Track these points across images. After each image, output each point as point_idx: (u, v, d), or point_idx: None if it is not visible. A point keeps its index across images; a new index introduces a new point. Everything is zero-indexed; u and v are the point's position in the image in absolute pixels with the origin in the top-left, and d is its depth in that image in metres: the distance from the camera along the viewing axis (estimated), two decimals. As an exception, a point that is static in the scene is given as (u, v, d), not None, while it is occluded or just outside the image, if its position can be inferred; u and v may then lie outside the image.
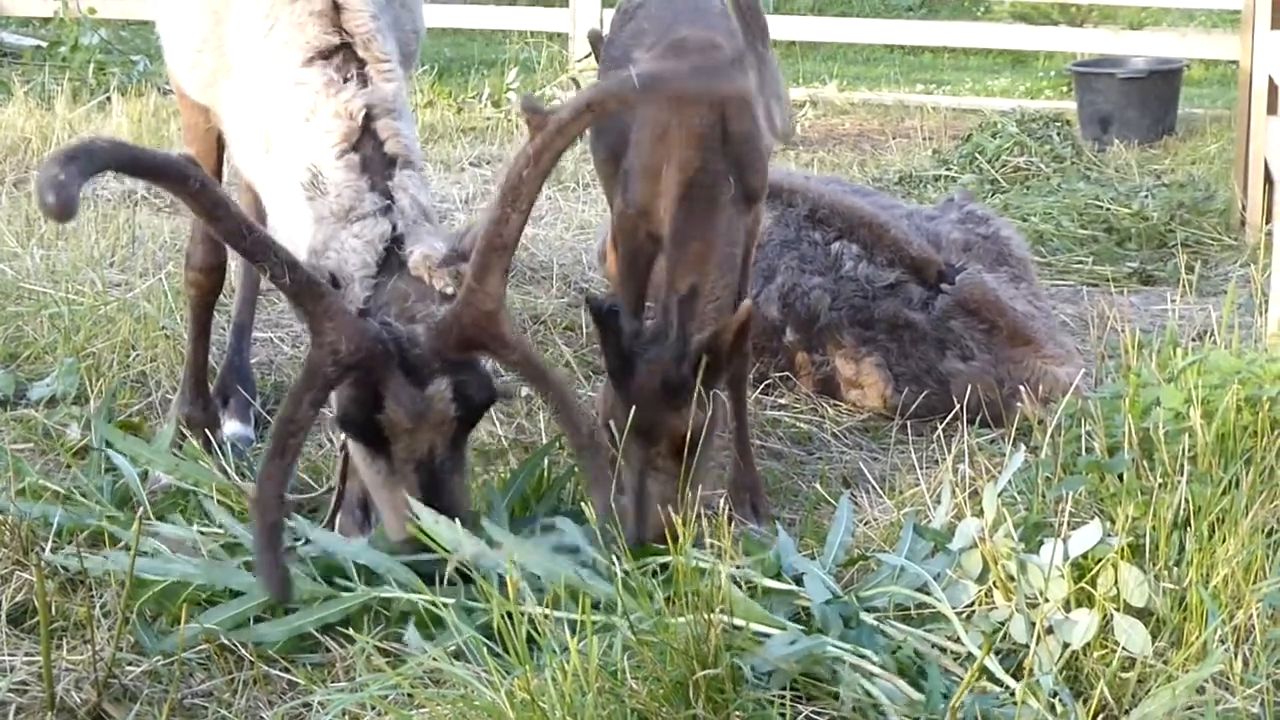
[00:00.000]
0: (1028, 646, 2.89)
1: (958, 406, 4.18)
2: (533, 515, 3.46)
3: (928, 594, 3.03)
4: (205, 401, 4.17)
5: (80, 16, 9.76)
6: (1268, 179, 6.48)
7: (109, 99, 8.61)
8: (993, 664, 2.82)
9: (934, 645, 2.93)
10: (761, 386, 4.59)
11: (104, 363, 4.60)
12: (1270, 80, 6.45)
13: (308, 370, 3.01)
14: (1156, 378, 3.55)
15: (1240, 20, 7.79)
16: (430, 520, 3.06)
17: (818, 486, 3.89)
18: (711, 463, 3.55)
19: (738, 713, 2.70)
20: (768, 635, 2.85)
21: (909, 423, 4.34)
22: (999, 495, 3.15)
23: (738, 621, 2.84)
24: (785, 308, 4.63)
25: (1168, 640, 2.93)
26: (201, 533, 3.37)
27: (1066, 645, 2.88)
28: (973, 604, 3.04)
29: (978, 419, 4.31)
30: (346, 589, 3.10)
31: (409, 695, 2.81)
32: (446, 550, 3.06)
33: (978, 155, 7.66)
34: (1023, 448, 3.47)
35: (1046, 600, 2.93)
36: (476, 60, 11.23)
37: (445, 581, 3.08)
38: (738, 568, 3.05)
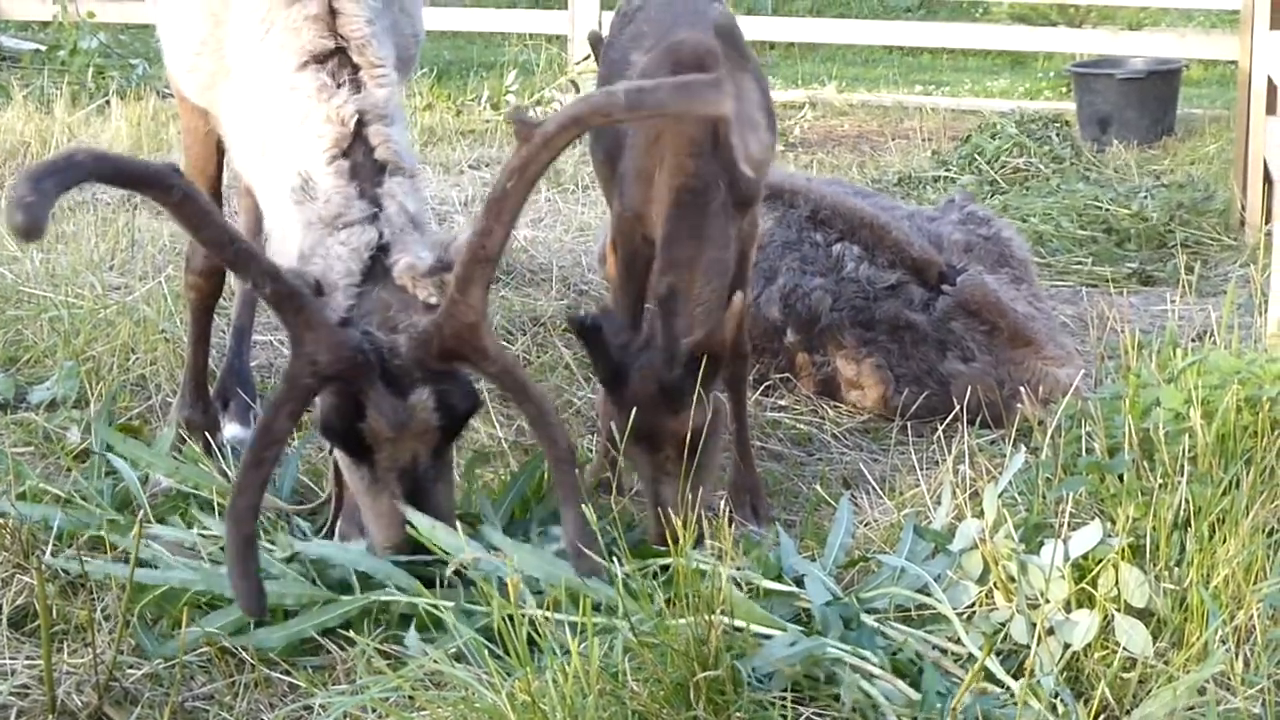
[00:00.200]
0: (1028, 647, 2.89)
1: (958, 407, 4.17)
2: (530, 518, 3.46)
3: (928, 595, 3.03)
4: (205, 405, 4.16)
5: (79, 20, 9.75)
6: (1267, 179, 6.47)
7: (108, 103, 8.61)
8: (994, 665, 2.82)
9: (935, 646, 2.93)
10: (761, 388, 4.59)
11: (104, 366, 4.60)
12: (1269, 80, 6.44)
13: (286, 381, 3.00)
14: (1156, 378, 3.55)
15: (1239, 20, 7.78)
16: (427, 526, 3.06)
17: (818, 488, 3.89)
18: (716, 463, 3.55)
19: (738, 714, 2.70)
20: (768, 637, 2.85)
21: (909, 424, 4.35)
22: (999, 496, 3.15)
23: (738, 623, 2.84)
24: (787, 309, 4.63)
25: (1169, 641, 2.92)
26: (202, 536, 3.38)
27: (1067, 646, 2.87)
28: (973, 605, 3.04)
29: (978, 420, 4.31)
30: (346, 592, 3.10)
31: (410, 697, 2.81)
32: (446, 554, 3.06)
33: (977, 156, 7.65)
34: (1023, 449, 3.46)
35: (1047, 601, 2.93)
36: (476, 63, 11.21)
37: (444, 585, 3.08)
38: (738, 569, 3.05)
